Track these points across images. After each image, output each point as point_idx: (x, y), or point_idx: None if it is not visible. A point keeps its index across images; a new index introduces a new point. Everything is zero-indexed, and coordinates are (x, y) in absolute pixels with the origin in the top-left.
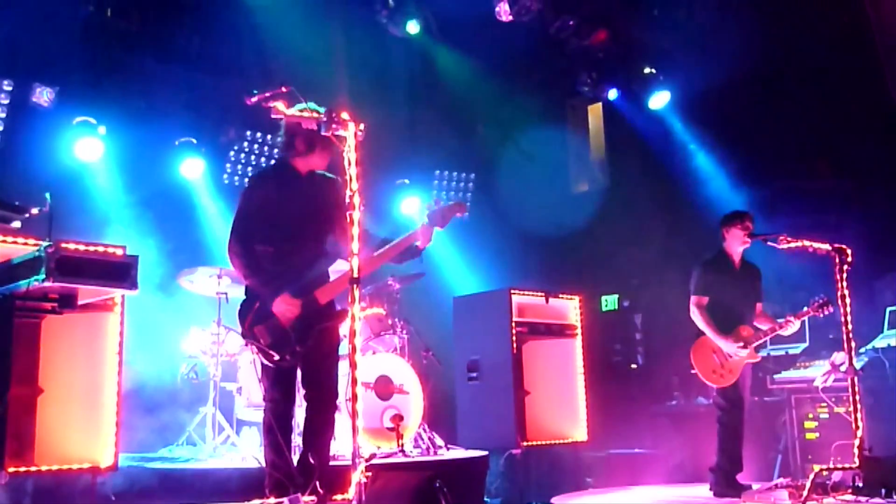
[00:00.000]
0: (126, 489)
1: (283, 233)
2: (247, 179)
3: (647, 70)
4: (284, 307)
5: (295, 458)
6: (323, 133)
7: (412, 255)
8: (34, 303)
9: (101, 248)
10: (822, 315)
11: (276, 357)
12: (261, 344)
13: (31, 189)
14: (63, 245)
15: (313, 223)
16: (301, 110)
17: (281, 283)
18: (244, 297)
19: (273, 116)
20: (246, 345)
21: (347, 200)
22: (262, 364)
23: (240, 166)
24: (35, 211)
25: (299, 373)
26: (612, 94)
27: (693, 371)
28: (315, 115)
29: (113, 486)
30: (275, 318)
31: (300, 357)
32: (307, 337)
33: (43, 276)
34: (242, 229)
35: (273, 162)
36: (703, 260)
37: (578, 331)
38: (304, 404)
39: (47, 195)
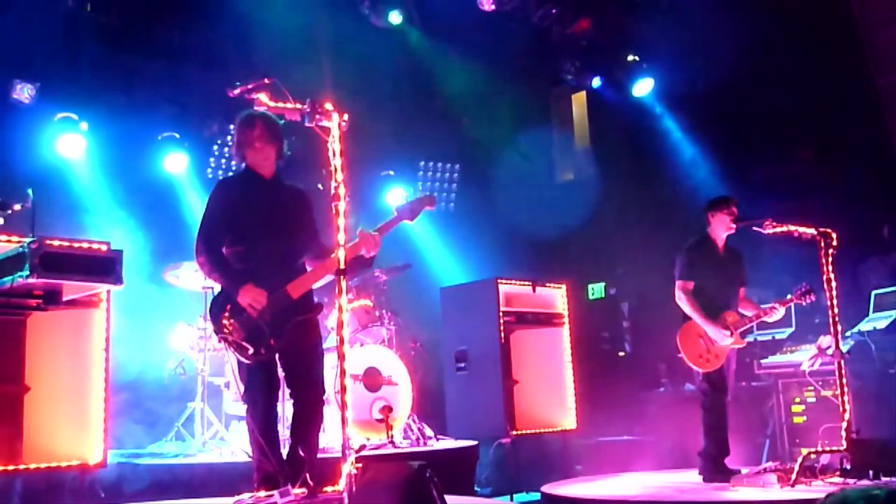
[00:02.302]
0: (115, 486)
1: (252, 232)
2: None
3: (630, 58)
4: (249, 297)
5: (284, 452)
6: (306, 124)
7: (360, 266)
8: (18, 299)
9: (85, 244)
10: (805, 303)
11: (251, 351)
12: (234, 339)
13: (12, 186)
14: (47, 241)
15: (281, 223)
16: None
17: (245, 277)
18: (215, 295)
19: (256, 108)
20: (220, 341)
21: (332, 192)
22: (239, 362)
23: (223, 160)
24: (17, 207)
25: (280, 369)
26: (596, 82)
27: (679, 355)
28: (298, 106)
29: (102, 483)
30: (246, 313)
31: (275, 351)
32: (281, 331)
33: (27, 273)
34: (207, 232)
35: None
36: (687, 245)
37: (566, 319)
38: (292, 400)
39: (29, 191)
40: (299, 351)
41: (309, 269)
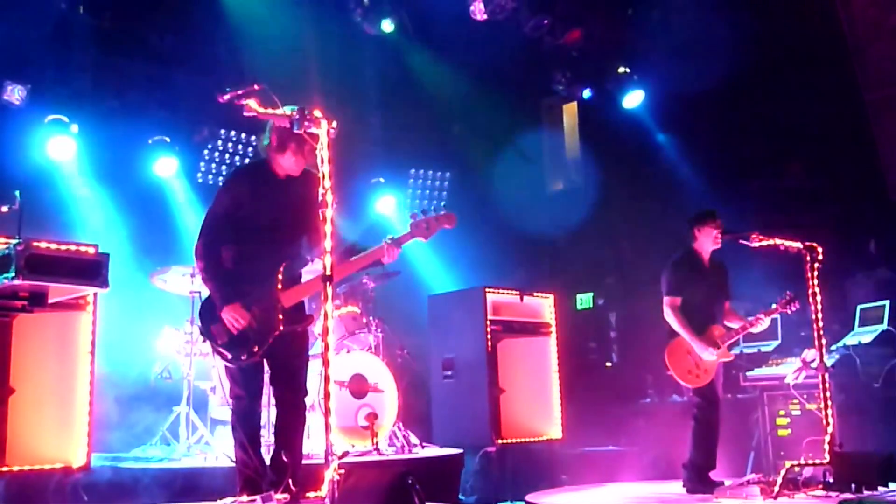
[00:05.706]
0: (99, 489)
1: (253, 235)
2: (222, 178)
3: (621, 69)
4: (231, 317)
5: (268, 457)
6: (295, 130)
7: (373, 267)
8: (4, 301)
9: (72, 247)
10: (790, 311)
11: (230, 356)
12: (217, 344)
13: (1, 187)
14: (33, 243)
15: (286, 225)
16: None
17: (236, 290)
18: (205, 298)
19: (245, 114)
20: (204, 341)
21: (321, 199)
22: (226, 363)
23: (214, 165)
24: (4, 209)
25: (267, 372)
26: (587, 93)
27: (669, 373)
28: (288, 112)
29: (85, 487)
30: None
31: (259, 357)
32: (267, 339)
33: (12, 274)
34: (209, 231)
35: (252, 161)
36: (673, 260)
37: (553, 329)
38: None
39: (17, 193)
40: (285, 355)
41: (309, 274)
